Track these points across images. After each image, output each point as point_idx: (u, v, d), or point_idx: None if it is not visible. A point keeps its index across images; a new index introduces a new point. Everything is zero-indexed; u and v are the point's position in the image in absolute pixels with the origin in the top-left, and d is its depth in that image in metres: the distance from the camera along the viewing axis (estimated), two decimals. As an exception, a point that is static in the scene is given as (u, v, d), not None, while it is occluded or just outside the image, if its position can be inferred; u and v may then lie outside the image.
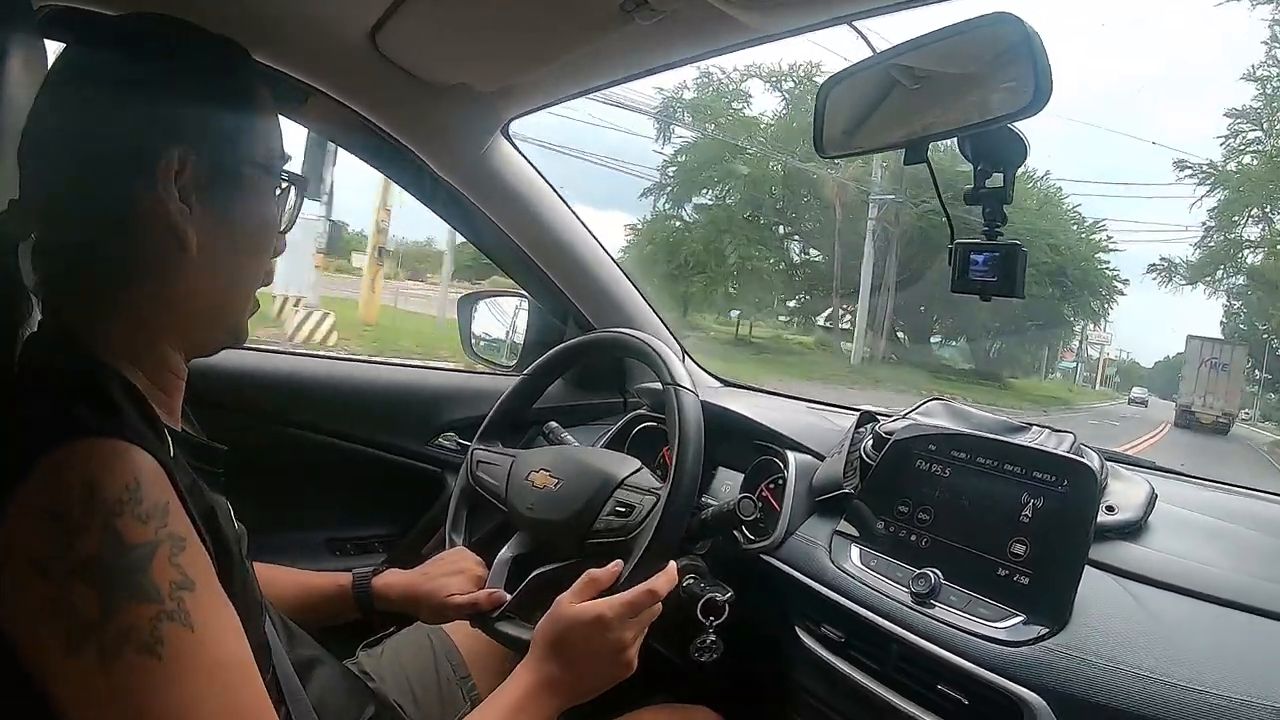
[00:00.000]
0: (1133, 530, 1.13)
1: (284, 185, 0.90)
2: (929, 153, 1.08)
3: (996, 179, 1.09)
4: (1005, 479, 1.13)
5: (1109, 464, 1.23)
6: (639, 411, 1.75)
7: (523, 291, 2.00)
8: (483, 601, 1.21)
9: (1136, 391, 46.31)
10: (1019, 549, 1.06)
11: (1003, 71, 0.96)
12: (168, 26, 0.83)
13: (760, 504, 1.39)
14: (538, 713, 0.99)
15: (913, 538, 1.18)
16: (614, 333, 1.40)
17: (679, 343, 2.02)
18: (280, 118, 0.92)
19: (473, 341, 2.07)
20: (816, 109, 1.16)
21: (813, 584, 1.23)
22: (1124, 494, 1.18)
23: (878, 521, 1.23)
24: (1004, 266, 1.08)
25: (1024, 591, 1.03)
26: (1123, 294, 28.93)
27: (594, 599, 1.05)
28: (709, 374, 2.10)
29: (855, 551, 1.23)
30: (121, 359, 0.78)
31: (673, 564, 1.11)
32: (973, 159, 1.10)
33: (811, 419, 1.62)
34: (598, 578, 1.07)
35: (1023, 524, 1.08)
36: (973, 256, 1.11)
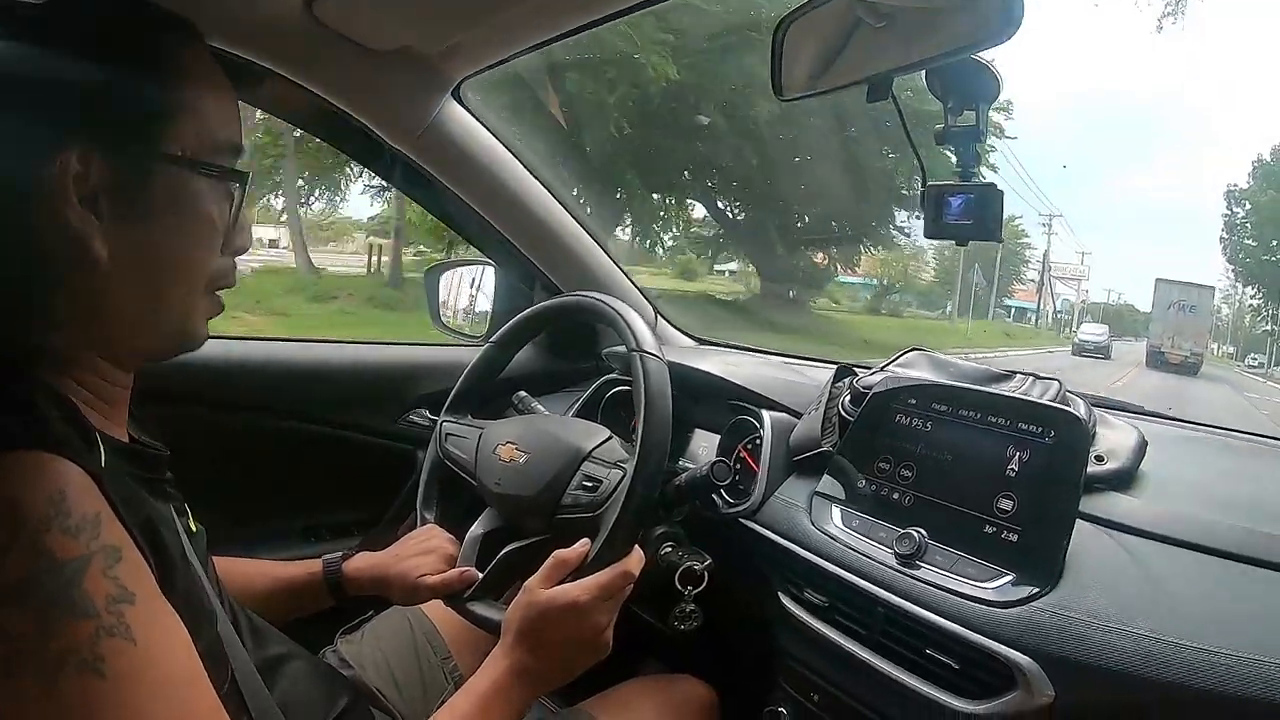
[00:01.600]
0: (1124, 480, 1.08)
1: (222, 179, 0.79)
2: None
3: (969, 117, 1.02)
4: (990, 431, 1.07)
5: (1096, 411, 1.18)
6: (610, 376, 1.68)
7: (489, 260, 1.93)
8: (454, 581, 1.15)
9: (1087, 332, 33.63)
10: (1006, 505, 1.00)
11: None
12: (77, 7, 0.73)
13: (737, 466, 1.35)
14: (513, 701, 0.95)
15: (895, 496, 1.12)
16: (578, 296, 1.33)
17: (651, 303, 1.96)
18: (229, 100, 0.81)
19: (440, 313, 2.00)
20: (774, 49, 1.08)
21: (793, 547, 1.18)
22: (1113, 442, 1.13)
23: (859, 480, 1.17)
24: (979, 209, 1.02)
25: (1012, 549, 0.98)
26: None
27: (563, 581, 1.00)
28: (683, 333, 2.04)
29: (836, 512, 1.17)
30: (50, 369, 0.71)
31: (638, 549, 1.06)
32: (942, 96, 1.04)
33: (788, 375, 1.56)
34: (566, 559, 1.01)
35: (1009, 478, 1.02)
36: (947, 199, 1.05)
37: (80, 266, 0.70)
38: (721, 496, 1.32)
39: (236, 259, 0.84)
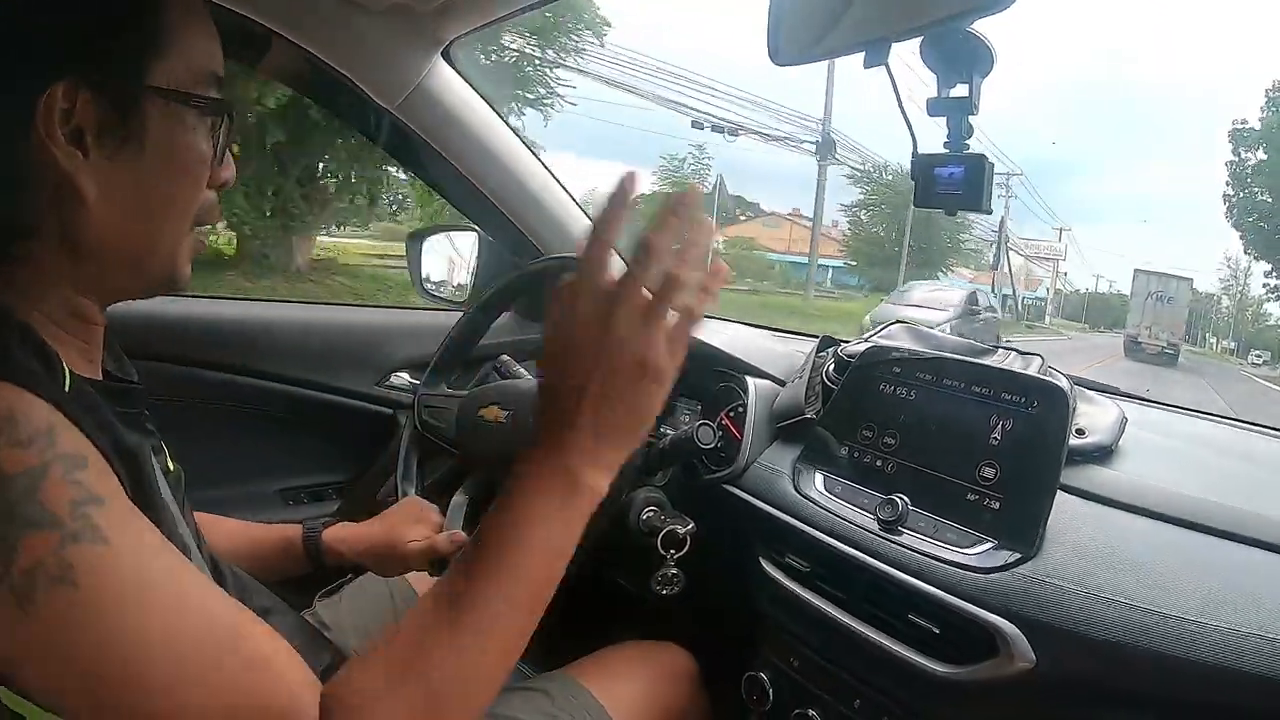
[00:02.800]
0: (1104, 454, 1.09)
1: (209, 111, 0.75)
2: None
3: (961, 89, 1.02)
4: (973, 401, 1.07)
5: (1077, 387, 1.18)
6: None
7: (473, 226, 1.90)
8: (441, 545, 1.12)
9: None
10: (988, 473, 1.00)
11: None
12: None
13: (721, 432, 1.33)
14: (573, 495, 0.70)
15: (878, 463, 1.12)
16: (562, 259, 1.31)
17: None
18: (211, 30, 0.77)
19: (423, 280, 1.97)
20: (770, 13, 1.07)
21: (776, 512, 1.17)
22: (1094, 417, 1.14)
23: (841, 447, 1.18)
24: (969, 179, 1.02)
25: (994, 516, 0.98)
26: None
27: None
28: None
29: (819, 478, 1.17)
30: (20, 303, 0.68)
31: None
32: (935, 67, 1.03)
33: (772, 344, 1.56)
34: None
35: (992, 447, 1.02)
36: (936, 170, 1.04)
37: (66, 204, 0.67)
38: (704, 462, 1.31)
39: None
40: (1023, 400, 1.03)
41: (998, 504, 0.98)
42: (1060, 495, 0.97)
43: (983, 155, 1.00)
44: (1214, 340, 59.22)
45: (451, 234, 1.99)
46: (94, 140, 0.67)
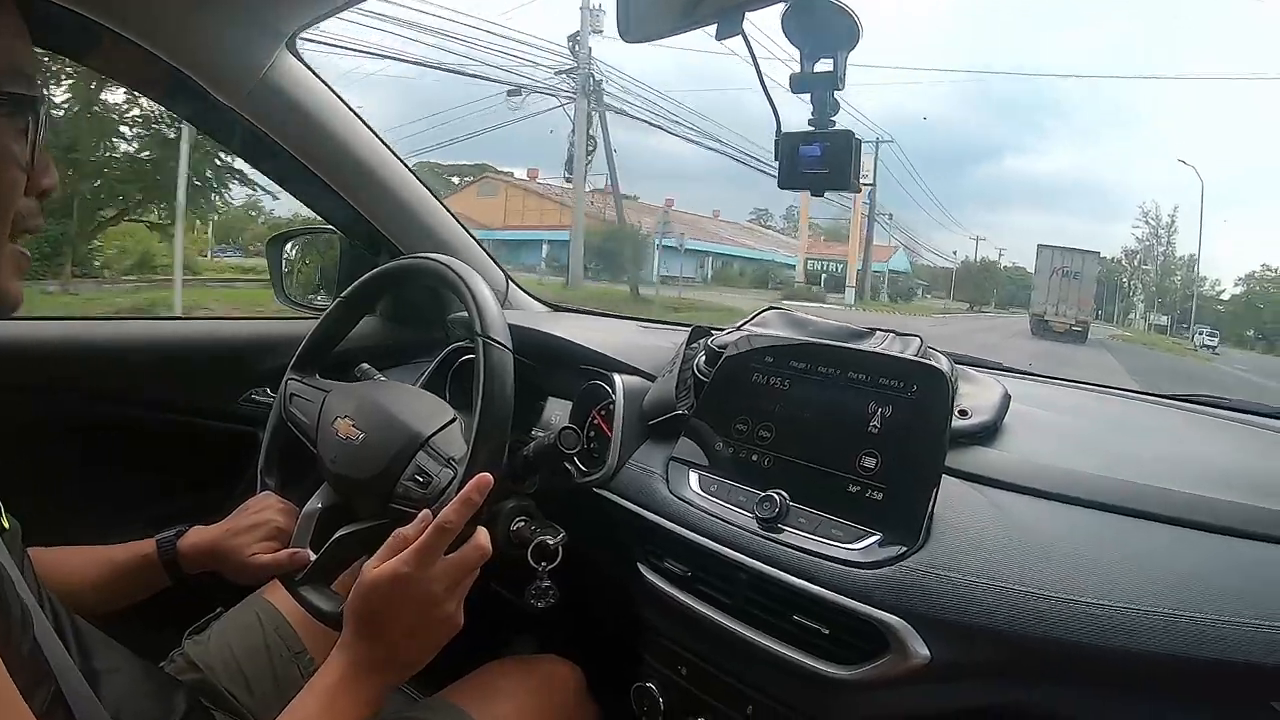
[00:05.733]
0: (988, 434, 1.04)
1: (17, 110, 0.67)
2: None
3: (826, 64, 0.95)
4: (850, 388, 1.00)
5: (958, 367, 1.14)
6: (457, 344, 1.55)
7: (333, 228, 1.77)
8: (284, 562, 1.05)
9: None
10: (869, 462, 0.94)
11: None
12: None
13: (590, 434, 1.27)
14: (359, 695, 0.84)
15: (754, 458, 1.05)
16: (426, 259, 1.20)
17: (502, 268, 1.85)
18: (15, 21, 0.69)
19: (284, 285, 1.83)
20: None
21: (650, 515, 1.10)
22: (976, 396, 1.09)
23: (716, 442, 1.10)
24: (835, 157, 0.95)
25: (878, 508, 0.92)
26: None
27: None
28: (536, 299, 1.94)
29: (694, 478, 1.09)
30: None
31: (482, 531, 0.92)
32: (799, 41, 0.96)
33: (644, 338, 1.49)
34: (406, 535, 0.88)
35: (872, 435, 0.96)
36: (801, 149, 0.97)
37: None
38: (574, 465, 1.23)
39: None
40: (901, 385, 0.96)
41: (880, 495, 0.92)
42: (946, 480, 0.92)
43: (849, 131, 0.94)
44: (1142, 313, 47.29)
45: (312, 237, 1.86)
46: None
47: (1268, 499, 0.85)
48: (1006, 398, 1.09)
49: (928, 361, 0.98)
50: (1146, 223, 49.13)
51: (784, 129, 0.98)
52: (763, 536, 0.96)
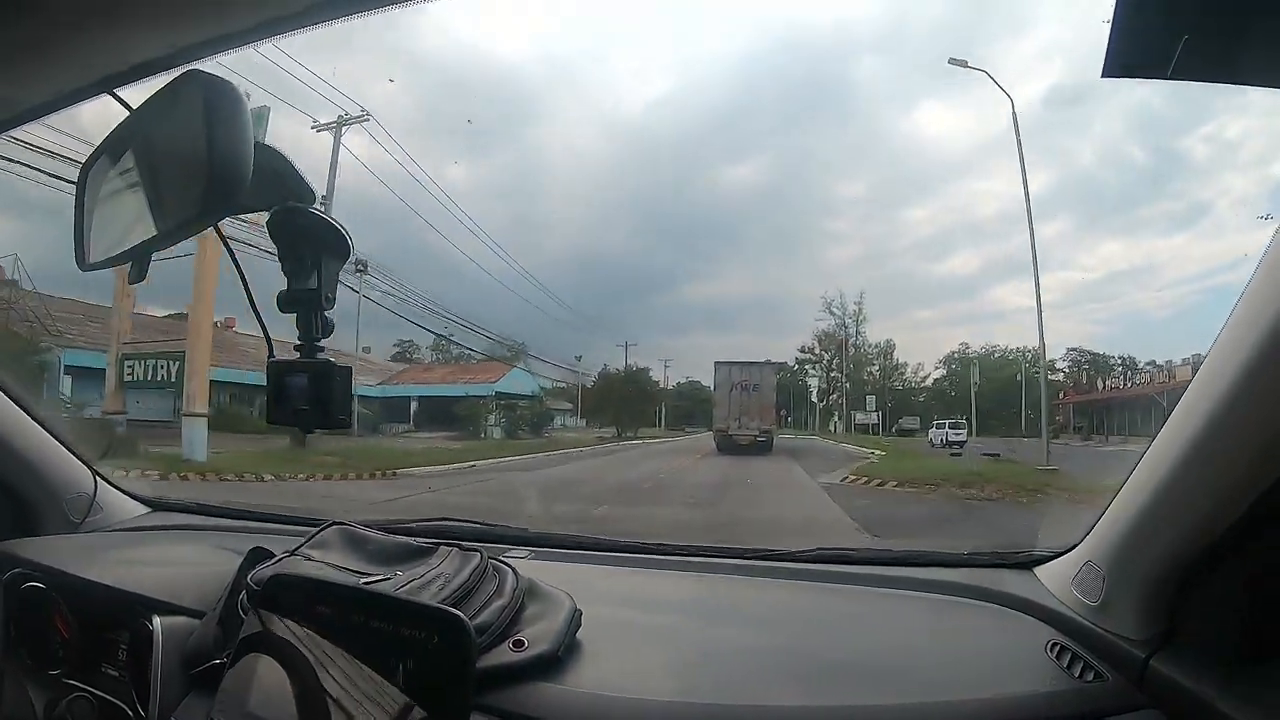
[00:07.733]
0: (547, 667, 0.94)
1: None
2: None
3: (311, 280, 0.84)
4: (375, 638, 0.86)
5: (527, 578, 1.05)
6: (16, 570, 1.28)
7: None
8: None
9: None
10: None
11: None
12: None
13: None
14: None
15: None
16: None
17: (91, 466, 1.56)
18: None
19: None
20: (77, 202, 0.83)
21: None
22: (539, 619, 1.00)
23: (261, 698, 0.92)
24: (320, 391, 0.83)
25: None
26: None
27: None
28: (132, 496, 1.68)
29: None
30: None
31: None
32: (280, 254, 0.85)
33: (214, 561, 1.27)
34: None
35: (400, 694, 0.82)
36: (287, 379, 0.85)
37: None
38: None
39: None
40: (422, 634, 0.84)
41: None
42: None
43: (329, 361, 0.83)
44: (844, 413, 43.29)
45: None
46: None
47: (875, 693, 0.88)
48: (575, 615, 1.01)
49: (445, 609, 0.87)
50: (831, 313, 47.56)
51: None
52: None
